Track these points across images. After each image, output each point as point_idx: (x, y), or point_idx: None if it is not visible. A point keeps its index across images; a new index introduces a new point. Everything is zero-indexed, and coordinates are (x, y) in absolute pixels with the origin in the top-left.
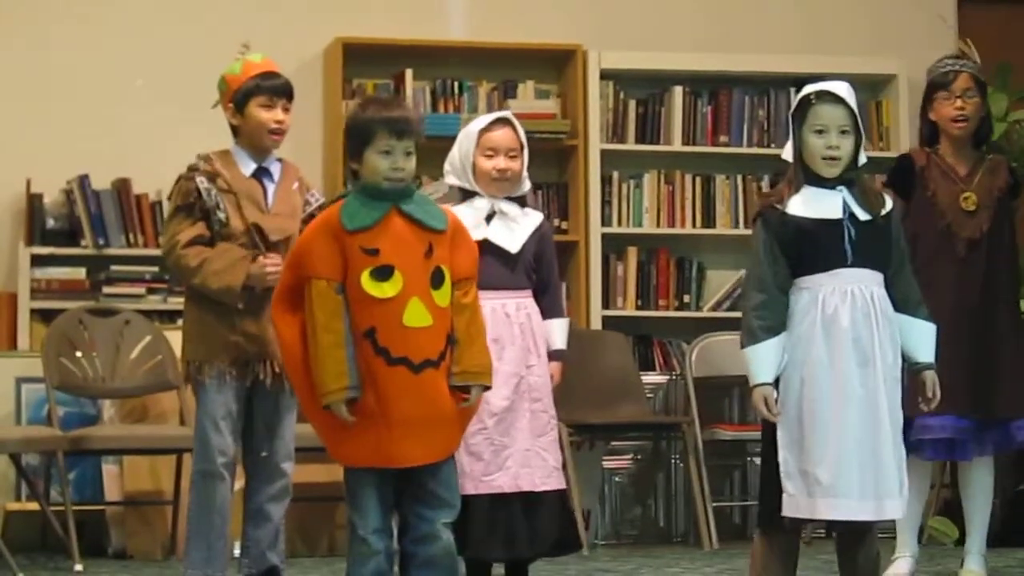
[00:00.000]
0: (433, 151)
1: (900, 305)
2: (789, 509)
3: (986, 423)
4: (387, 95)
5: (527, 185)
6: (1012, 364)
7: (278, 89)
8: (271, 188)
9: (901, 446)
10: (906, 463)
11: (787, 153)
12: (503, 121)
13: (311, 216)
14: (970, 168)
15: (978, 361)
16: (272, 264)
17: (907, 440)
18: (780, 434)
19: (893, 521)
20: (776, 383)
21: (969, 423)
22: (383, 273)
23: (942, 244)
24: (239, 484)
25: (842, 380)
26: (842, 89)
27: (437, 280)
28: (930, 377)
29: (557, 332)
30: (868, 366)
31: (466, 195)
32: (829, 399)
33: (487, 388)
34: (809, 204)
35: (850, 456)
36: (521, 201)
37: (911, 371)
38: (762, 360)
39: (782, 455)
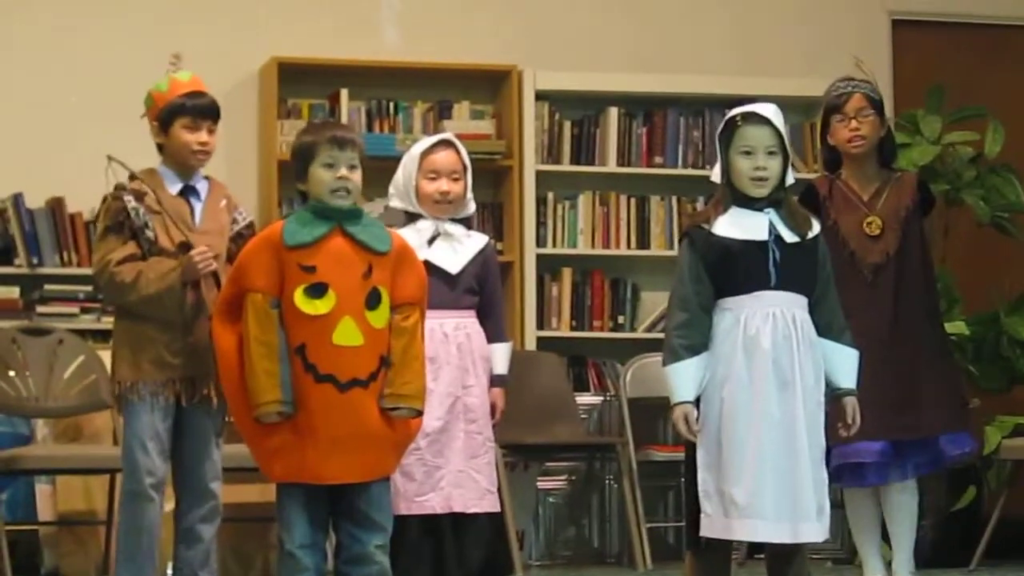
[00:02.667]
0: (368, 171)
1: (823, 330)
2: (706, 529)
3: (905, 445)
4: (327, 118)
5: (471, 207)
6: (934, 381)
7: (203, 110)
8: (198, 206)
9: (822, 470)
10: (852, 493)
11: (715, 175)
12: (446, 143)
13: (239, 234)
14: (875, 190)
15: (893, 383)
16: (200, 253)
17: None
18: (700, 454)
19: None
20: (697, 403)
21: (886, 445)
22: (317, 291)
23: (848, 271)
24: (169, 505)
25: (761, 401)
26: (769, 111)
27: (373, 301)
28: (851, 403)
29: (499, 357)
30: (787, 389)
31: (411, 217)
32: (747, 420)
33: (419, 413)
34: (736, 225)
35: (766, 478)
36: (467, 223)
37: (832, 397)
38: (683, 378)
39: (701, 475)
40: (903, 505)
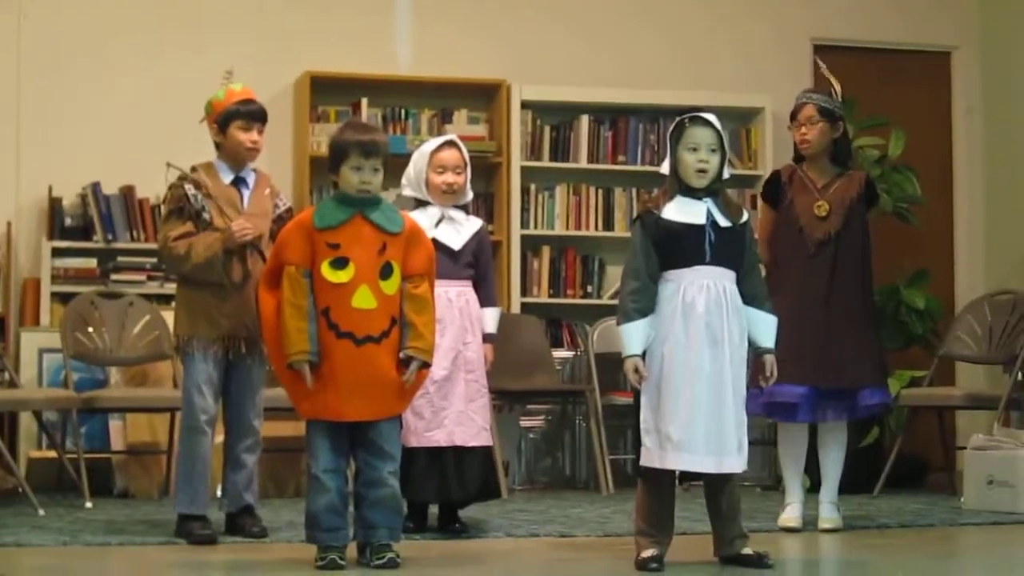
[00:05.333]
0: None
1: (748, 299)
2: (645, 459)
3: (831, 392)
4: (361, 121)
5: (470, 195)
6: (860, 342)
7: (255, 114)
8: (247, 194)
9: (743, 413)
10: (784, 428)
11: (664, 167)
12: (451, 143)
13: (279, 217)
14: (828, 181)
15: (822, 340)
16: (239, 225)
17: (759, 406)
18: (643, 398)
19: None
20: (644, 356)
21: (809, 391)
22: (340, 263)
23: (796, 243)
24: (219, 438)
25: (695, 356)
26: (711, 116)
27: (386, 272)
28: (769, 360)
29: (490, 318)
30: (717, 347)
31: (420, 204)
32: (683, 371)
33: (426, 365)
34: (680, 211)
35: (697, 419)
36: (466, 209)
37: (755, 353)
38: (633, 336)
39: (643, 415)
40: (833, 443)
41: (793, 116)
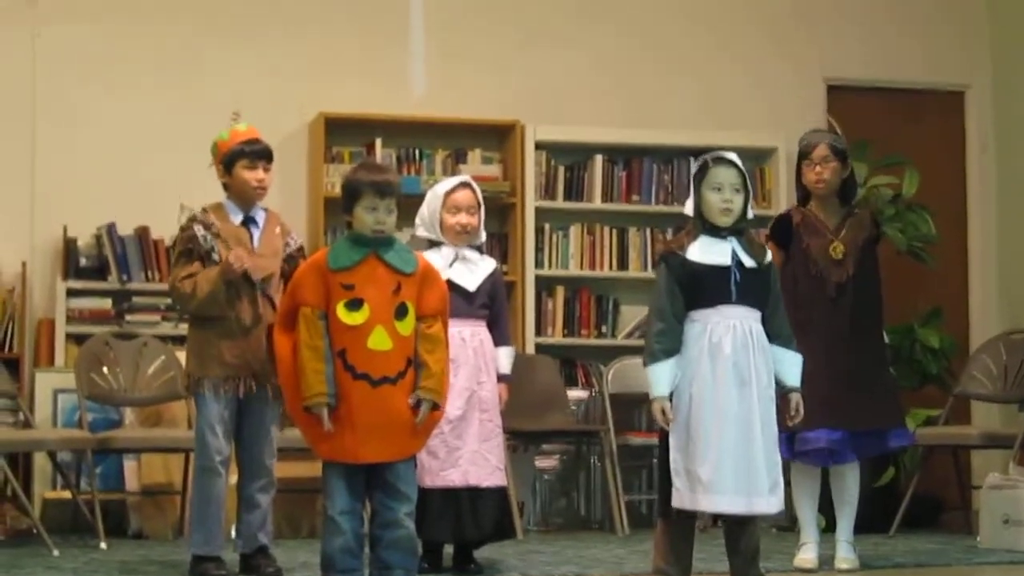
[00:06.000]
0: (398, 207)
1: (774, 338)
2: (676, 501)
3: (858, 433)
4: (375, 161)
5: (483, 236)
6: (882, 383)
7: (259, 153)
8: (256, 233)
9: (775, 453)
10: (799, 469)
11: (688, 208)
12: (464, 184)
13: (290, 256)
14: (838, 222)
15: (850, 382)
16: (235, 256)
17: (794, 451)
18: (671, 439)
19: (784, 514)
20: (671, 397)
21: (842, 434)
22: (355, 304)
23: (816, 287)
24: (233, 478)
25: (723, 397)
26: (734, 156)
27: (401, 313)
28: (794, 398)
29: (505, 359)
30: (745, 386)
31: (434, 244)
32: (712, 411)
33: (436, 407)
34: (704, 251)
35: (726, 460)
36: (480, 249)
37: (780, 393)
38: (660, 377)
39: (673, 456)
40: (849, 482)
41: (804, 155)
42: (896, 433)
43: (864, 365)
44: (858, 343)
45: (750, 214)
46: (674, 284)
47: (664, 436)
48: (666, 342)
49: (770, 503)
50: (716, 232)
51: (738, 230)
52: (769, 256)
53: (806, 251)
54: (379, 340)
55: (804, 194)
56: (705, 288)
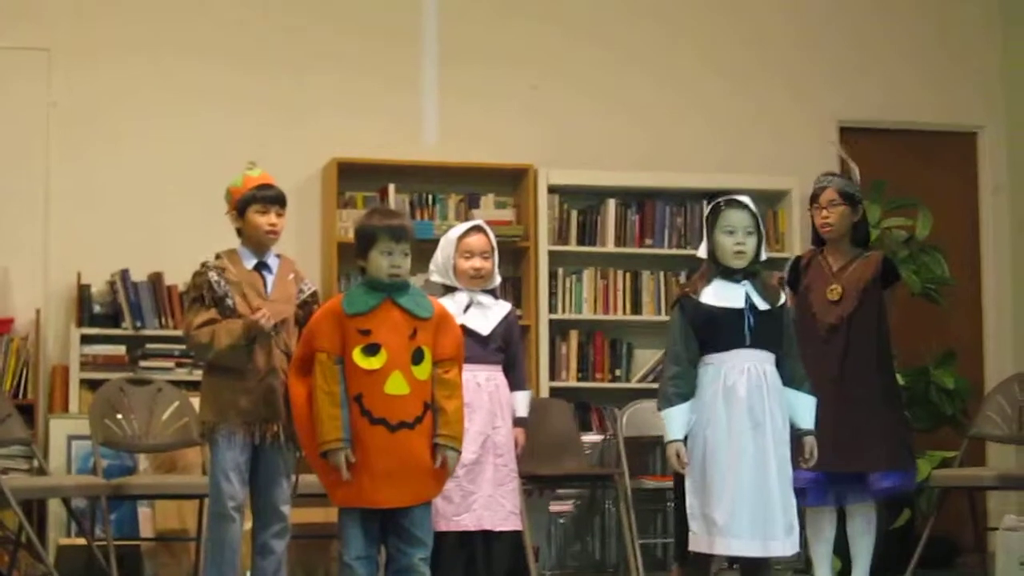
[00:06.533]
0: (411, 251)
1: (787, 380)
2: (693, 544)
3: (847, 476)
4: (387, 207)
5: (498, 279)
6: (873, 425)
7: (271, 198)
8: (270, 279)
9: (790, 495)
10: (816, 512)
11: (701, 251)
12: (478, 228)
13: (304, 302)
14: (845, 263)
15: (832, 425)
16: (260, 313)
17: None
18: (687, 482)
19: (798, 557)
20: (686, 440)
21: (819, 476)
22: (371, 350)
23: (809, 327)
24: (248, 524)
25: (737, 440)
26: (746, 199)
27: (417, 358)
28: (809, 442)
29: (521, 402)
30: (759, 429)
31: (448, 289)
32: (726, 455)
33: (456, 451)
34: (718, 294)
35: (742, 503)
36: (494, 293)
37: (795, 435)
38: (675, 421)
39: (688, 500)
40: (863, 525)
41: (814, 199)
42: (880, 477)
43: (854, 408)
44: (850, 384)
45: (763, 256)
46: (688, 327)
47: (679, 480)
48: (681, 386)
49: (785, 545)
50: (730, 275)
51: (752, 272)
52: (783, 298)
53: (806, 292)
54: (396, 385)
55: (817, 236)
56: (719, 331)
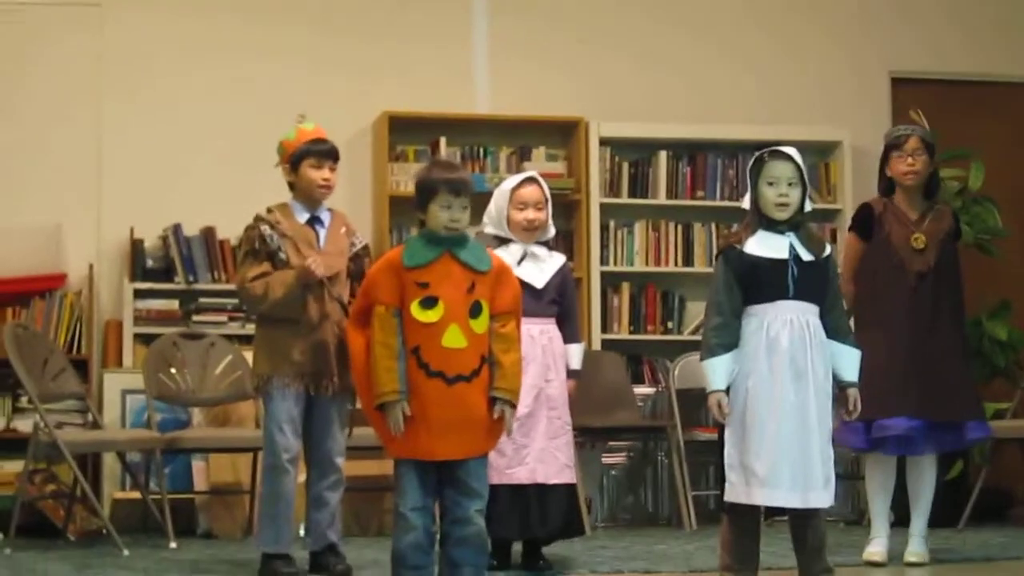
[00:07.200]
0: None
1: (831, 333)
2: (730, 495)
3: (936, 424)
4: (447, 159)
5: (552, 231)
6: (961, 375)
7: (325, 152)
8: (322, 232)
9: (829, 448)
10: (875, 461)
11: (745, 202)
12: (531, 180)
13: (356, 255)
14: (920, 214)
15: (929, 372)
16: (313, 261)
17: (869, 439)
18: (727, 433)
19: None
20: (728, 391)
21: (920, 423)
22: (429, 303)
23: (896, 277)
24: (302, 476)
25: (779, 391)
26: (790, 150)
27: (475, 311)
28: (852, 394)
29: (574, 355)
30: (802, 381)
31: (501, 241)
32: (768, 406)
33: (513, 406)
34: (762, 245)
35: (782, 454)
36: (548, 245)
37: (838, 387)
38: (717, 371)
39: (727, 450)
40: (926, 475)
41: (895, 147)
42: (973, 426)
43: (945, 356)
44: (938, 334)
45: (807, 207)
46: (732, 278)
47: (723, 431)
48: (723, 337)
49: (823, 497)
50: (773, 226)
51: (796, 224)
52: (828, 250)
53: (887, 240)
54: (454, 338)
55: (888, 185)
56: (763, 282)
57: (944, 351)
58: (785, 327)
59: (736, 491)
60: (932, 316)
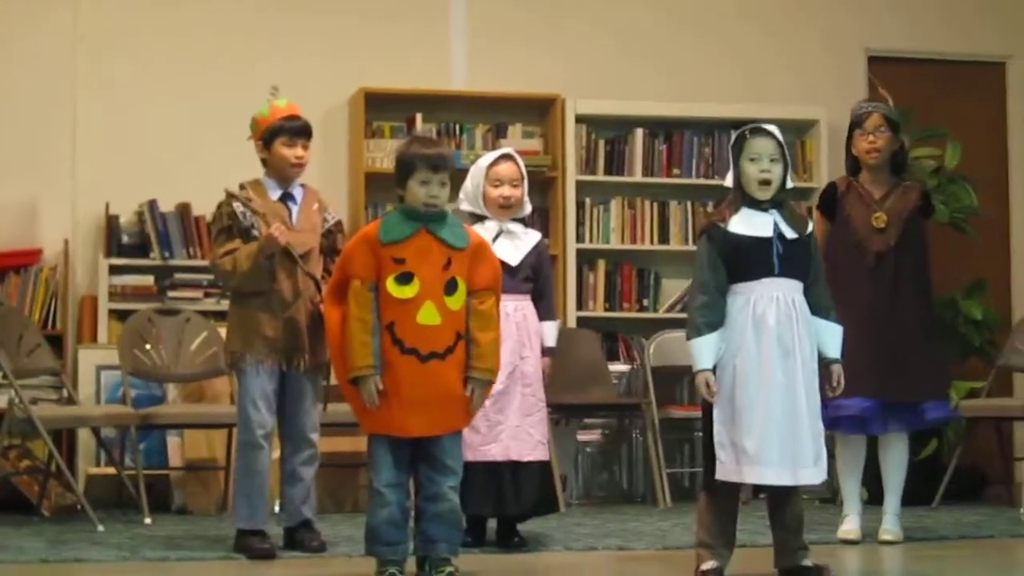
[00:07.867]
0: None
1: (815, 309)
2: (721, 474)
3: (894, 404)
4: (427, 135)
5: (528, 208)
6: (923, 354)
7: (298, 130)
8: (295, 209)
9: (819, 424)
10: (844, 440)
11: (728, 180)
12: (507, 157)
13: (328, 231)
14: (885, 192)
15: (887, 353)
16: (276, 228)
17: (826, 417)
18: (716, 411)
19: (826, 486)
20: (714, 370)
21: (875, 403)
22: (405, 279)
23: (856, 256)
24: (276, 452)
25: (767, 368)
26: (772, 127)
27: (451, 288)
28: (836, 370)
29: (549, 332)
30: (789, 358)
31: (477, 218)
32: (756, 384)
33: (490, 383)
34: (745, 223)
35: (772, 431)
36: (524, 222)
37: (821, 364)
38: (703, 350)
39: (717, 429)
40: (896, 454)
41: (857, 125)
42: (932, 406)
43: (904, 336)
44: (899, 314)
45: (789, 183)
46: (716, 257)
47: (708, 409)
48: (709, 315)
49: (813, 474)
50: (757, 204)
51: (778, 201)
52: (810, 226)
53: (847, 220)
54: (428, 315)
55: (854, 164)
56: (748, 260)
57: (905, 330)
58: (771, 305)
59: (726, 469)
60: (892, 295)
